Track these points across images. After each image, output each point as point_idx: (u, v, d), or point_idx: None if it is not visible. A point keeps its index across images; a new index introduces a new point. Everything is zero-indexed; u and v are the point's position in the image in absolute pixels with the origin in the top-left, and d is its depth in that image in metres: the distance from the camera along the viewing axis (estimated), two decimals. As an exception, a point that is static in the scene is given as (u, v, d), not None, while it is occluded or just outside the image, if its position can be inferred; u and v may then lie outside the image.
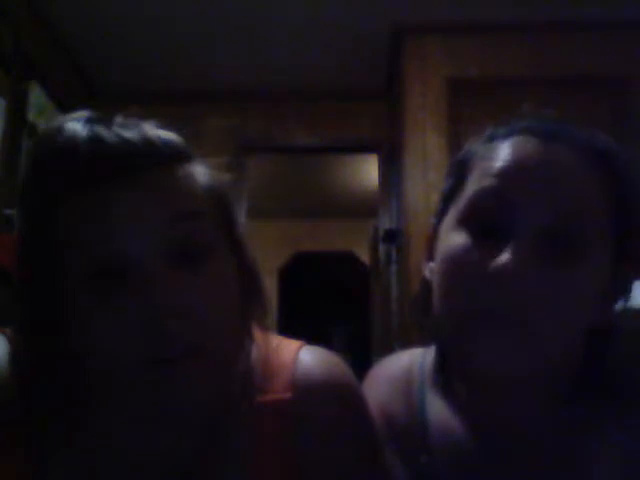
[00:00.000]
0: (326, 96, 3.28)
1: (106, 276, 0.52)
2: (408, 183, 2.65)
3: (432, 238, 0.69)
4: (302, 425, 0.61)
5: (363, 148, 3.58)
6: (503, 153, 0.62)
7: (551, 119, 0.66)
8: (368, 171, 4.28)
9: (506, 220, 0.59)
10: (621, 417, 0.61)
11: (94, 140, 0.53)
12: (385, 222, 3.24)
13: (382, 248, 3.29)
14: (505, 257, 0.56)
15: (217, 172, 0.62)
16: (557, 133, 0.63)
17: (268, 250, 4.78)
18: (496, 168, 0.61)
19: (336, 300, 5.43)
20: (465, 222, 0.62)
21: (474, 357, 0.59)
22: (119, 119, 0.56)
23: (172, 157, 0.57)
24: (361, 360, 1.75)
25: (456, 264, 0.61)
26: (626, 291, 0.64)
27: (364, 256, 5.19)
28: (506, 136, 0.64)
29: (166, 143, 0.57)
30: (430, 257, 0.69)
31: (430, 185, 2.53)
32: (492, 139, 0.65)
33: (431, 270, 0.67)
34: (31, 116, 2.58)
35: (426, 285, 0.68)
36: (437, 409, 0.70)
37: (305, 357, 0.65)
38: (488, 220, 0.60)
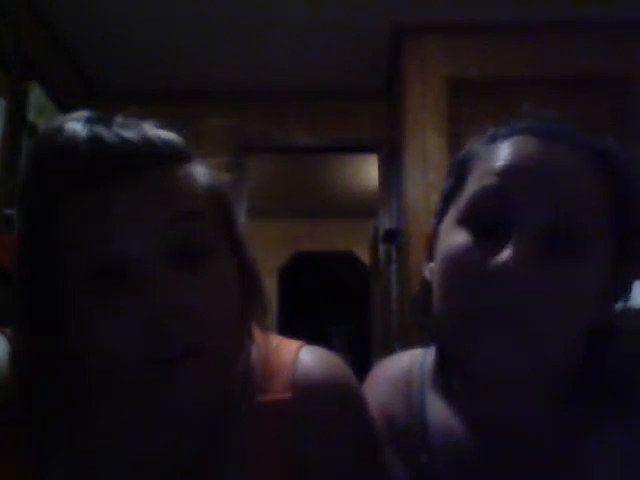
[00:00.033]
0: (326, 96, 3.28)
1: (106, 276, 0.52)
2: (408, 183, 2.65)
3: (432, 238, 0.69)
4: (302, 425, 0.61)
5: (363, 148, 3.58)
6: (504, 153, 0.62)
7: (551, 119, 0.67)
8: (368, 171, 4.28)
9: (507, 219, 0.59)
10: (621, 417, 0.61)
11: (94, 140, 0.53)
12: (385, 222, 3.24)
13: (382, 248, 3.29)
14: (505, 255, 0.56)
15: (217, 172, 0.62)
16: (557, 133, 0.63)
17: (268, 250, 4.78)
18: (497, 167, 0.61)
19: (336, 300, 5.43)
20: (465, 221, 0.62)
21: (474, 357, 0.59)
22: (119, 119, 0.56)
23: (172, 157, 0.57)
24: (361, 360, 1.76)
25: (456, 263, 0.61)
26: (626, 291, 0.64)
27: (364, 256, 5.19)
28: (506, 136, 0.64)
29: (166, 143, 0.57)
30: (430, 258, 0.69)
31: (430, 185, 2.53)
32: (492, 139, 0.66)
33: (431, 270, 0.67)
34: (31, 116, 2.58)
35: (426, 285, 0.68)
36: (437, 409, 0.70)
37: (305, 357, 0.65)
38: (489, 219, 0.60)
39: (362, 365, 0.90)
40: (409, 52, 2.75)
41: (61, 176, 0.53)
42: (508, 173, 0.61)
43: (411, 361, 0.76)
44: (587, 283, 0.58)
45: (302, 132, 3.33)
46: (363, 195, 4.77)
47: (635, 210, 0.63)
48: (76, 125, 0.54)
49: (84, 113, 0.56)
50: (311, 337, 0.68)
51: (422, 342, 0.77)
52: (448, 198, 0.67)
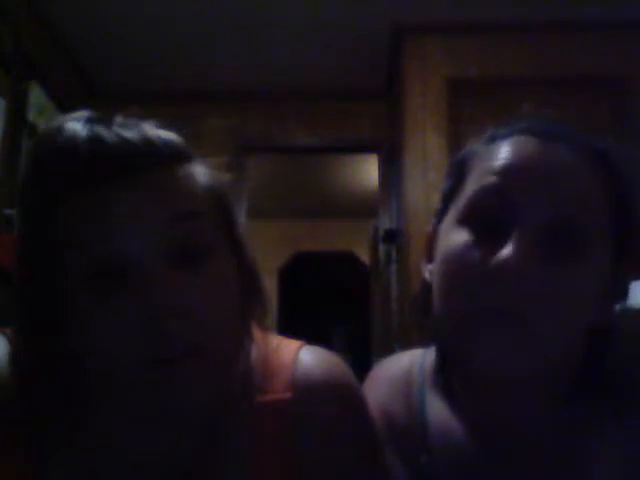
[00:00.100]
0: (326, 96, 3.28)
1: (106, 276, 0.52)
2: (408, 183, 2.65)
3: (431, 239, 0.69)
4: (302, 425, 0.61)
5: (363, 148, 3.58)
6: (503, 152, 0.62)
7: (551, 120, 0.67)
8: (368, 171, 4.28)
9: (507, 219, 0.59)
10: (621, 417, 0.61)
11: (94, 140, 0.53)
12: (385, 222, 3.24)
13: (382, 248, 3.29)
14: (506, 254, 0.56)
15: (217, 172, 0.62)
16: (557, 133, 0.63)
17: (268, 250, 4.78)
18: (497, 167, 0.61)
19: (336, 300, 5.43)
20: (465, 221, 0.62)
21: (474, 357, 0.59)
22: (119, 119, 0.56)
23: (172, 157, 0.57)
24: (361, 360, 1.75)
25: (457, 263, 0.61)
26: (626, 291, 0.64)
27: (364, 256, 5.19)
28: (506, 136, 0.64)
29: (166, 143, 0.57)
30: (429, 258, 0.69)
31: (430, 185, 2.53)
32: (492, 139, 0.66)
33: (430, 271, 0.67)
34: (31, 116, 2.58)
35: (425, 286, 0.68)
36: (437, 409, 0.70)
37: (305, 357, 0.65)
38: (489, 218, 0.60)
39: (362, 365, 0.90)
40: (409, 52, 2.75)
41: (61, 176, 0.53)
42: (508, 172, 0.61)
43: (411, 361, 0.76)
44: (587, 283, 0.58)
45: (302, 132, 3.33)
46: (363, 195, 4.77)
47: (635, 210, 0.63)
48: (76, 125, 0.54)
49: (84, 113, 0.56)
50: (311, 337, 0.68)
51: (422, 342, 0.77)
52: (448, 198, 0.67)
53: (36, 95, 2.63)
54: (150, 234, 0.53)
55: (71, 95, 3.01)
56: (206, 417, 0.59)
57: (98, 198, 0.53)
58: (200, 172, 0.59)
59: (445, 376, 0.70)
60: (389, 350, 2.49)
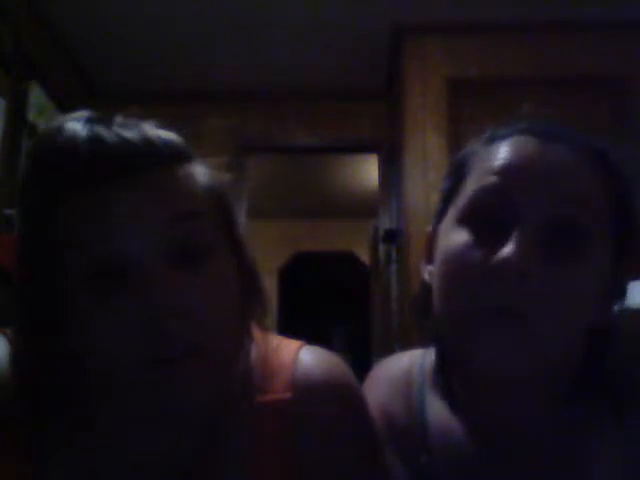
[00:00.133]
0: (326, 96, 3.28)
1: (106, 276, 0.52)
2: (408, 183, 2.65)
3: (431, 239, 0.69)
4: (302, 425, 0.61)
5: (363, 148, 3.58)
6: (503, 152, 0.62)
7: (551, 120, 0.67)
8: (368, 171, 4.28)
9: (507, 218, 0.59)
10: (621, 417, 0.61)
11: (94, 140, 0.53)
12: (385, 222, 3.24)
13: (382, 248, 3.29)
14: (506, 252, 0.56)
15: (217, 172, 0.62)
16: (557, 133, 0.63)
17: (268, 250, 4.78)
18: (497, 166, 0.61)
19: (336, 300, 5.42)
20: (465, 220, 0.62)
21: (475, 357, 0.59)
22: (119, 119, 0.56)
23: (172, 157, 0.57)
24: (361, 360, 1.76)
25: (457, 262, 0.61)
26: (625, 291, 0.64)
27: (364, 256, 5.19)
28: (506, 136, 0.64)
29: (166, 143, 0.57)
30: (429, 259, 0.69)
31: (430, 185, 2.53)
32: (492, 139, 0.66)
33: (430, 273, 0.67)
34: (31, 116, 2.58)
35: (425, 288, 0.68)
36: (437, 410, 0.70)
37: (305, 357, 0.65)
38: (489, 218, 0.60)
39: (362, 365, 0.90)
40: (409, 52, 2.75)
41: (61, 176, 0.53)
42: (508, 172, 0.61)
43: (411, 361, 0.76)
44: (587, 283, 0.58)
45: (302, 132, 3.33)
46: (363, 195, 4.77)
47: (635, 210, 0.63)
48: (76, 125, 0.54)
49: (84, 113, 0.56)
50: (311, 337, 0.68)
51: (422, 342, 0.77)
52: (447, 198, 0.67)
53: (36, 95, 2.63)
54: (150, 234, 0.53)
55: (71, 95, 3.01)
56: (206, 417, 0.59)
57: (98, 198, 0.53)
58: (200, 172, 0.59)
59: (445, 376, 0.70)
60: (389, 350, 2.49)
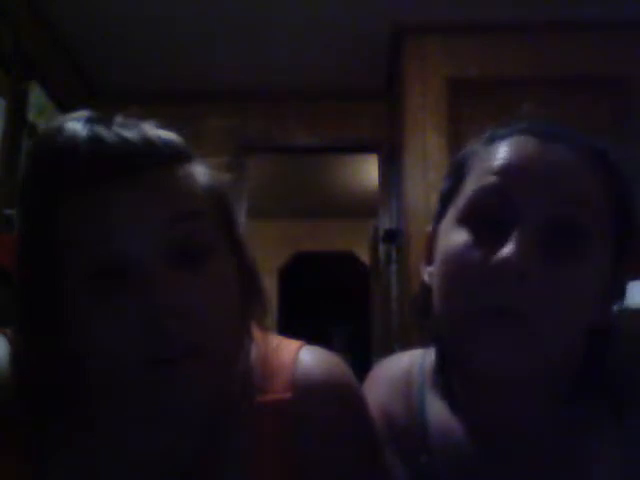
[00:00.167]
0: (326, 96, 3.28)
1: (106, 276, 0.52)
2: (408, 183, 2.65)
3: (431, 240, 0.69)
4: (302, 425, 0.61)
5: (363, 148, 3.58)
6: (503, 152, 0.62)
7: (551, 120, 0.67)
8: (368, 171, 4.28)
9: (507, 218, 0.59)
10: (621, 417, 0.61)
11: (94, 140, 0.53)
12: (385, 222, 3.24)
13: (382, 248, 3.29)
14: (506, 252, 0.56)
15: (217, 172, 0.62)
16: (557, 133, 0.63)
17: (268, 250, 4.78)
18: (497, 166, 0.61)
19: (336, 300, 5.42)
20: (465, 220, 0.62)
21: (475, 357, 0.59)
22: (119, 119, 0.56)
23: (172, 157, 0.57)
24: (361, 360, 1.76)
25: (457, 262, 0.61)
26: (625, 291, 0.64)
27: (364, 256, 5.19)
28: (506, 136, 0.64)
29: (166, 143, 0.57)
30: (428, 260, 0.69)
31: (430, 185, 2.53)
32: (491, 140, 0.66)
33: (430, 273, 0.67)
34: (31, 116, 2.58)
35: (425, 288, 0.68)
36: (437, 410, 0.70)
37: (305, 357, 0.65)
38: (489, 218, 0.60)
39: (362, 365, 0.90)
40: (409, 52, 2.75)
41: (61, 176, 0.53)
42: (508, 172, 0.61)
43: (411, 361, 0.76)
44: (587, 283, 0.58)
45: (302, 132, 3.33)
46: (363, 195, 4.77)
47: (635, 210, 0.63)
48: (76, 125, 0.54)
49: (84, 113, 0.56)
50: (311, 337, 0.68)
51: (422, 342, 0.77)
52: (447, 199, 0.67)
53: (36, 95, 2.63)
54: (150, 234, 0.53)
55: (71, 95, 3.01)
56: (206, 417, 0.59)
57: (98, 198, 0.53)
58: (200, 172, 0.59)
59: (445, 376, 0.70)
60: (389, 350, 2.49)
